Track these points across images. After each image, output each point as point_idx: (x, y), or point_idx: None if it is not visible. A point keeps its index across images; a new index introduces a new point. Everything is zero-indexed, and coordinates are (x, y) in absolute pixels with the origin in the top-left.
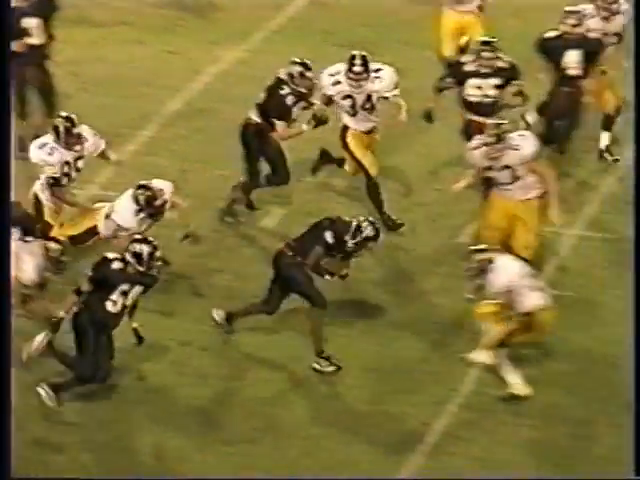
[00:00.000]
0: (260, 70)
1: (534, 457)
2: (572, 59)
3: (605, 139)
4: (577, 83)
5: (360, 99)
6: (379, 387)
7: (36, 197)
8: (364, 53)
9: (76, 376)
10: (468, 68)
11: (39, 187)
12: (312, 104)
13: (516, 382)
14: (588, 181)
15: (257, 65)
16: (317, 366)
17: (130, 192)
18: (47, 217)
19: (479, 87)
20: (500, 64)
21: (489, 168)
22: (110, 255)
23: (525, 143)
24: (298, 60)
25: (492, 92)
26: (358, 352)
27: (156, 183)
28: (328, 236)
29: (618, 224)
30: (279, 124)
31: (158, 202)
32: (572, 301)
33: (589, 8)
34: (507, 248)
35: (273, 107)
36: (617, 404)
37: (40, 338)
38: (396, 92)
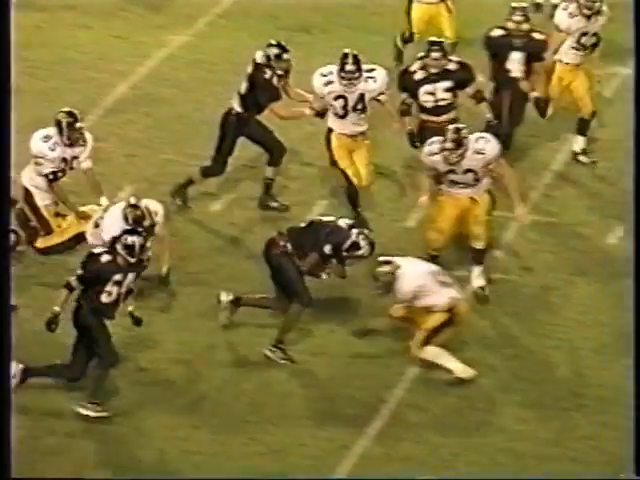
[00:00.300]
0: (206, 54)
1: (482, 439)
2: (516, 61)
3: (580, 143)
4: (519, 83)
5: (352, 99)
6: (327, 372)
7: (26, 190)
8: (355, 52)
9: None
10: (418, 77)
11: (28, 180)
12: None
13: (457, 367)
14: (534, 166)
15: (203, 49)
16: (269, 354)
17: (120, 208)
18: (44, 212)
19: (431, 93)
20: (450, 66)
21: (450, 172)
22: (96, 250)
23: (489, 146)
24: (274, 42)
25: (444, 95)
26: (306, 338)
27: (148, 203)
28: (327, 249)
29: (564, 208)
30: (277, 106)
31: (147, 223)
32: (518, 285)
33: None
34: (458, 241)
35: (263, 93)
36: (564, 388)
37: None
38: (386, 96)
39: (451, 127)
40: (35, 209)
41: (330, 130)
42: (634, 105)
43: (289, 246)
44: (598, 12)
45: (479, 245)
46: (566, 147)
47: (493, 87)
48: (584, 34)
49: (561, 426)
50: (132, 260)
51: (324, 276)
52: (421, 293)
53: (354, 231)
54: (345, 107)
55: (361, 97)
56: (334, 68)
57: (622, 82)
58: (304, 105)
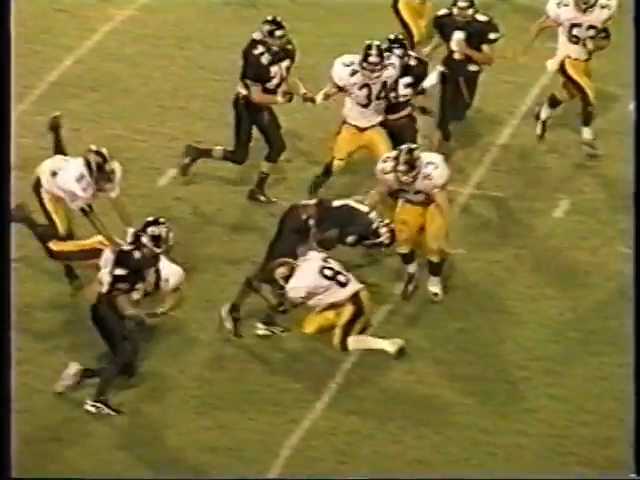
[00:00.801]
0: (152, 28)
1: (428, 412)
2: (458, 41)
3: (588, 134)
4: (462, 66)
5: (376, 88)
6: (276, 347)
7: (37, 181)
8: (378, 42)
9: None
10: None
11: (45, 181)
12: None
13: (384, 344)
14: (480, 140)
15: (149, 24)
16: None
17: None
18: (48, 207)
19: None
20: (411, 62)
21: (403, 190)
22: (126, 248)
23: (437, 173)
24: (269, 18)
25: (404, 92)
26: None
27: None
28: (350, 239)
29: (509, 182)
30: (254, 89)
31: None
32: (465, 259)
33: None
34: (417, 244)
35: (248, 68)
36: (510, 361)
37: (72, 371)
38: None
39: (404, 148)
40: (41, 203)
41: (343, 122)
42: (634, 104)
43: (311, 222)
44: (594, 4)
45: (435, 259)
46: (512, 121)
47: (440, 73)
48: (576, 25)
49: (507, 399)
50: (158, 251)
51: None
52: (315, 293)
53: (376, 220)
54: (369, 96)
55: (384, 85)
56: (355, 58)
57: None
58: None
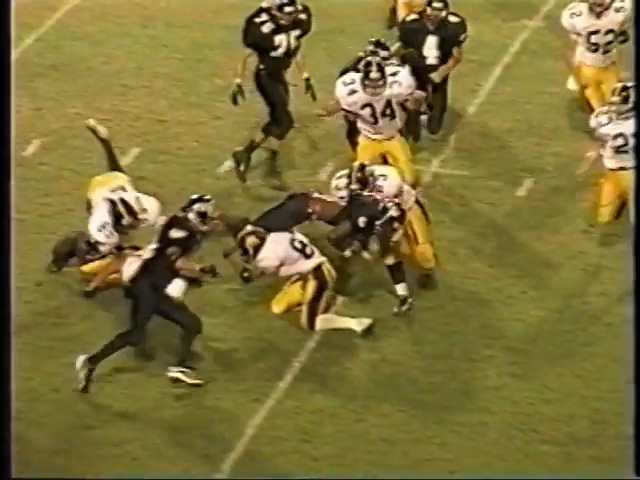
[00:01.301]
0: (113, 7)
1: (392, 391)
2: (431, 46)
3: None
4: (433, 70)
5: (379, 106)
6: (241, 326)
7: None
8: (378, 59)
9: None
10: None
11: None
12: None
13: (352, 323)
14: (443, 121)
15: (111, 2)
16: None
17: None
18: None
19: None
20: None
21: None
22: (179, 214)
23: (386, 183)
24: None
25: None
26: (219, 295)
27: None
28: (361, 221)
29: (473, 161)
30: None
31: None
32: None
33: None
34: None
35: (248, 35)
36: (474, 340)
37: (80, 364)
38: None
39: (356, 164)
40: None
41: (355, 128)
42: (634, 104)
43: (313, 218)
44: (608, 8)
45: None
46: (476, 100)
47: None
48: (593, 32)
49: (470, 377)
50: (204, 228)
51: (347, 253)
52: (284, 263)
53: (381, 199)
54: (374, 115)
55: (388, 103)
56: (356, 76)
57: (530, 35)
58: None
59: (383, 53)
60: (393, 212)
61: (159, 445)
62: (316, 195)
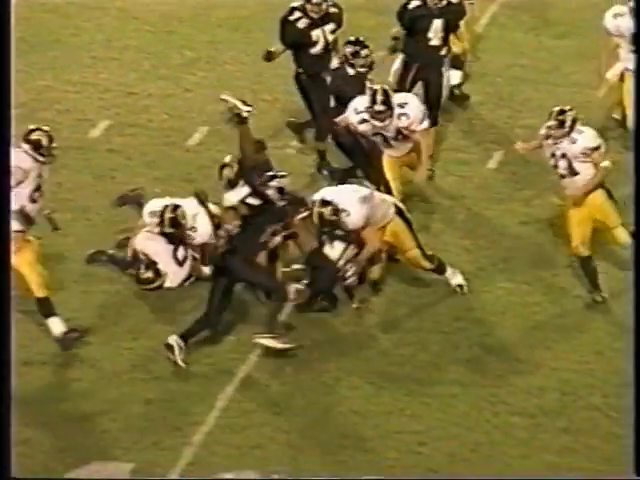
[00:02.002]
0: None
1: (362, 363)
2: (437, 29)
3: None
4: (438, 52)
5: (390, 134)
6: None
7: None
8: (386, 87)
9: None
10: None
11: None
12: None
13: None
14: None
15: None
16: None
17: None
18: None
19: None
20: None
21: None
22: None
23: (349, 219)
24: None
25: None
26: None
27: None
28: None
29: (444, 135)
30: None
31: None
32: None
33: None
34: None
35: (286, 36)
36: (445, 312)
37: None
38: (426, 124)
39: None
40: None
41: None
42: (634, 107)
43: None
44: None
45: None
46: (445, 73)
47: (403, 61)
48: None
49: (441, 349)
50: (281, 204)
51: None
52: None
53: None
54: (386, 141)
55: (399, 132)
56: (366, 102)
57: (499, 8)
58: None
59: (364, 52)
60: (350, 281)
61: (129, 417)
62: (315, 210)
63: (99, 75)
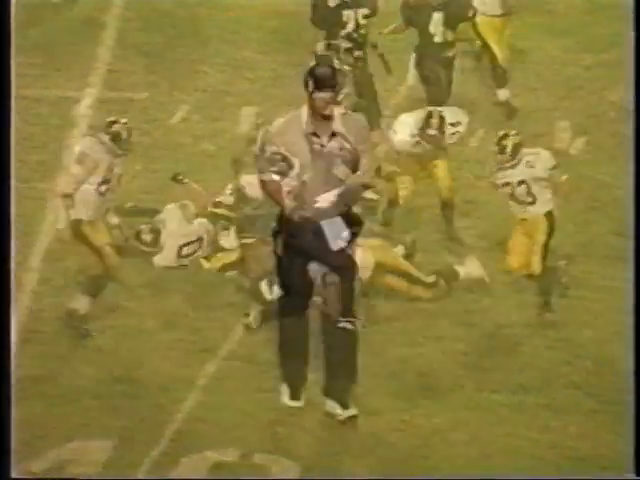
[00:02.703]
0: None
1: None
2: (437, 22)
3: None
4: (444, 49)
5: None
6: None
7: None
8: (441, 109)
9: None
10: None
11: None
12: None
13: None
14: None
15: None
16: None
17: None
18: None
19: None
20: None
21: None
22: None
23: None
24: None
25: None
26: None
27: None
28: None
29: None
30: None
31: None
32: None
33: None
34: None
35: (315, 14)
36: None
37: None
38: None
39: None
40: None
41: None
42: (634, 111)
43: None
44: None
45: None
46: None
47: (415, 59)
48: None
49: (422, 325)
50: None
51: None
52: None
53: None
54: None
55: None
56: (418, 123)
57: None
58: None
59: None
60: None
61: (110, 395)
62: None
63: None
